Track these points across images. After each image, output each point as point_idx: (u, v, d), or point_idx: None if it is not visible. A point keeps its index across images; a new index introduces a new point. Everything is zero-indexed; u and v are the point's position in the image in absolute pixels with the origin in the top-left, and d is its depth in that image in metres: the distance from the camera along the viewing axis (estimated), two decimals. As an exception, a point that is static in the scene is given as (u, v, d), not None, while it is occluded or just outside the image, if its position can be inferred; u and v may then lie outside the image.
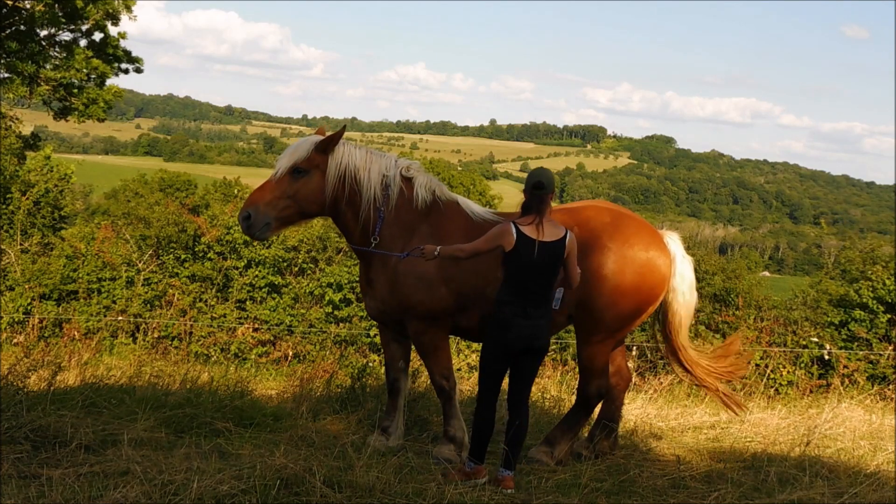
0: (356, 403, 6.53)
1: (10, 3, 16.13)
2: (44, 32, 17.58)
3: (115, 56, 18.93)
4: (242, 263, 12.00)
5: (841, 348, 10.34)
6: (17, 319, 11.57)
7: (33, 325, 11.01)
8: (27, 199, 16.36)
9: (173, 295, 11.72)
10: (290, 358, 11.06)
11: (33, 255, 13.40)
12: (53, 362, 6.22)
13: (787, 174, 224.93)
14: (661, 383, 8.72)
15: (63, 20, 17.29)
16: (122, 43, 19.07)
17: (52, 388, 5.67)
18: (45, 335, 11.09)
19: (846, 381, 9.63)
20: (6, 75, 17.05)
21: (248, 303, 11.87)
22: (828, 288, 12.68)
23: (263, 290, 11.96)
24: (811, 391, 9.64)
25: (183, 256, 12.14)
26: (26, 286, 12.02)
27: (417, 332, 5.46)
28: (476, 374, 7.32)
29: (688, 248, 5.85)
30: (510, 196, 75.01)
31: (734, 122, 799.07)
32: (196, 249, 12.16)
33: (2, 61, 16.56)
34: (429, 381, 6.43)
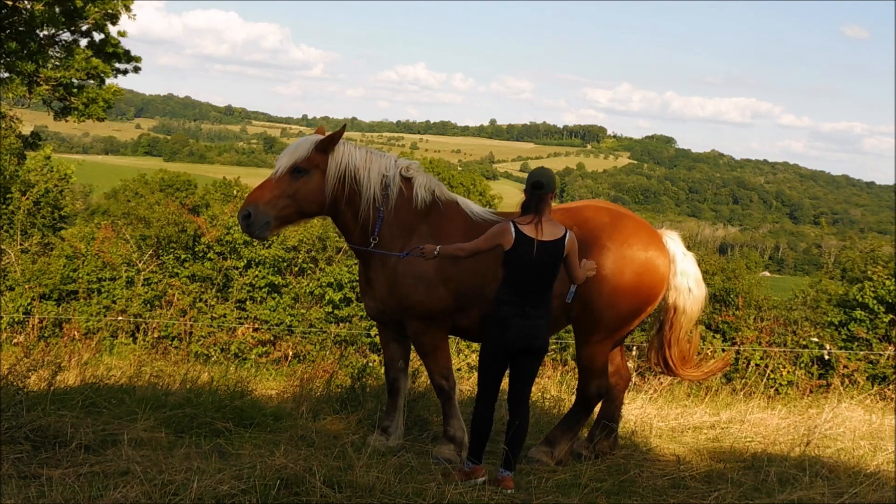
0: (356, 403, 6.53)
1: (9, 3, 16.12)
2: (43, 32, 17.57)
3: (114, 54, 18.92)
4: (242, 263, 12.00)
5: (841, 348, 10.34)
6: (17, 319, 11.56)
7: (33, 325, 11.01)
8: (27, 199, 16.36)
9: (173, 295, 11.71)
10: (290, 358, 11.06)
11: (33, 255, 13.40)
12: (53, 362, 6.21)
13: (787, 174, 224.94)
14: (661, 383, 8.72)
15: (62, 20, 17.27)
16: (122, 42, 19.08)
17: (52, 388, 5.67)
18: (45, 335, 11.09)
19: (846, 381, 9.63)
20: (5, 75, 17.04)
21: (248, 303, 11.86)
22: (828, 288, 12.68)
23: (263, 290, 11.96)
24: (811, 391, 9.64)
25: (183, 256, 12.14)
26: (26, 286, 12.01)
27: (417, 332, 5.46)
28: (476, 373, 7.32)
29: (688, 248, 5.84)
30: (510, 196, 74.98)
31: (734, 122, 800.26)
32: (196, 249, 12.16)
33: (1, 61, 16.54)
34: (428, 381, 6.43)
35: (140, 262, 12.12)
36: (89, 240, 12.61)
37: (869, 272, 11.29)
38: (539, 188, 4.76)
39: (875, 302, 10.76)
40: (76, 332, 10.62)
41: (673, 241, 5.72)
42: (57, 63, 18.03)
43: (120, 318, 11.49)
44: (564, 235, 4.76)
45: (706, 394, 8.91)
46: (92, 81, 18.87)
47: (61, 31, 18.05)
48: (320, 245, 12.44)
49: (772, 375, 9.77)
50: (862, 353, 10.20)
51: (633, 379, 8.93)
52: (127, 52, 19.42)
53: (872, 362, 10.14)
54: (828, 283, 13.34)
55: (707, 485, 5.05)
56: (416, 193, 5.49)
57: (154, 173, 53.94)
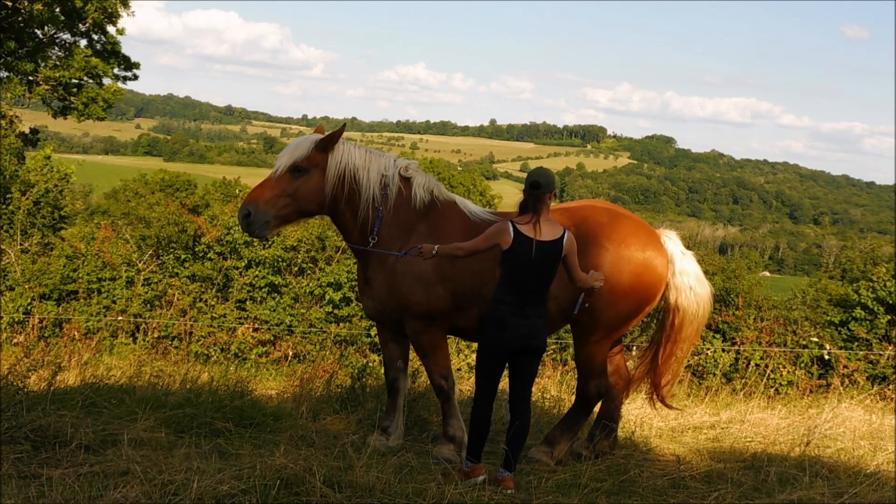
0: (356, 403, 6.54)
1: (9, 3, 16.12)
2: (43, 32, 17.59)
3: (113, 52, 18.93)
4: (242, 263, 11.99)
5: (841, 348, 10.34)
6: (17, 319, 11.56)
7: (33, 325, 11.01)
8: (27, 199, 16.35)
9: (173, 295, 11.70)
10: (290, 358, 11.05)
11: (33, 255, 13.39)
12: (53, 362, 6.21)
13: (787, 174, 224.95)
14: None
15: (62, 19, 17.28)
16: (121, 45, 19.10)
17: (52, 388, 5.67)
18: (45, 335, 11.08)
19: (846, 381, 9.63)
20: (5, 74, 17.05)
21: (248, 303, 11.86)
22: (828, 288, 12.68)
23: (263, 290, 11.95)
24: (811, 391, 9.64)
25: (183, 256, 12.13)
26: (26, 286, 12.01)
27: (416, 332, 5.46)
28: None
29: (687, 248, 5.84)
30: (510, 196, 75.00)
31: (734, 122, 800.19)
32: (196, 249, 12.15)
33: (0, 60, 16.55)
34: (428, 381, 6.43)
35: (140, 262, 12.11)
36: (89, 240, 12.60)
37: (869, 273, 11.29)
38: (537, 188, 4.76)
39: (875, 302, 10.76)
40: (76, 332, 10.61)
41: (671, 240, 5.72)
42: (56, 63, 18.05)
43: (120, 318, 11.48)
44: (563, 235, 4.76)
45: (706, 394, 8.91)
46: (91, 81, 18.88)
47: (61, 32, 18.06)
48: (320, 245, 12.43)
49: (772, 375, 9.77)
50: (862, 353, 10.20)
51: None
52: (126, 59, 19.43)
53: (872, 362, 10.14)
54: (828, 282, 13.35)
55: (707, 485, 5.06)
56: (415, 193, 5.49)
57: (154, 173, 53.96)
